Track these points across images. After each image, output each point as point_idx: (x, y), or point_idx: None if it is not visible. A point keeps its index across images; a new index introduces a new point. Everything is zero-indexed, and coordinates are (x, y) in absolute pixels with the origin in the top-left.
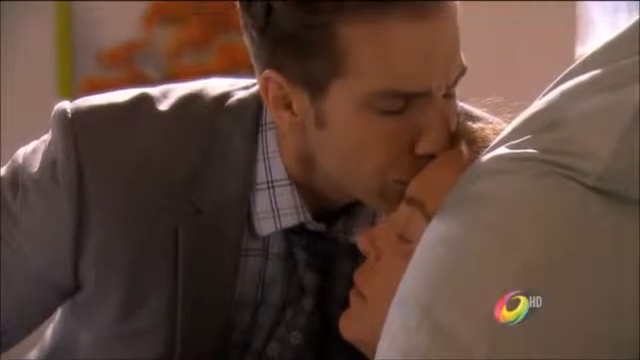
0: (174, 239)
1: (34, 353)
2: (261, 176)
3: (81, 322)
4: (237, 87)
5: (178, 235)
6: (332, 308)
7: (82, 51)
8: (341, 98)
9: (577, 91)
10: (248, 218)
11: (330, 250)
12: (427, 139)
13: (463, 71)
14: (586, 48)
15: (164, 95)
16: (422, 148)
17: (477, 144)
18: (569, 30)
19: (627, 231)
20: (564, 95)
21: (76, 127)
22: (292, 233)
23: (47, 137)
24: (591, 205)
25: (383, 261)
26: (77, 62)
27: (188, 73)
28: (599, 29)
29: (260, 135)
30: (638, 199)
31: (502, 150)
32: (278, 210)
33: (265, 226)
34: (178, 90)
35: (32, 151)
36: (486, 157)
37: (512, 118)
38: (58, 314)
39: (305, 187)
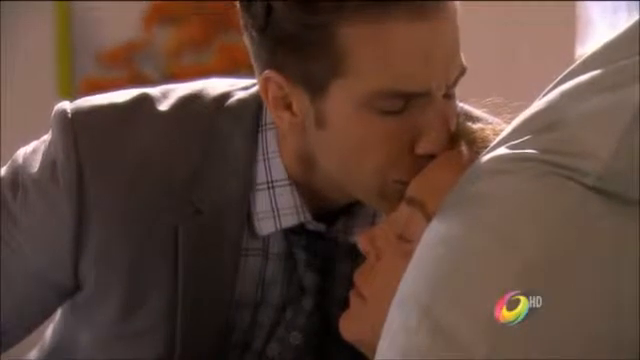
0: (174, 239)
1: (34, 353)
2: (261, 176)
3: (81, 322)
4: (237, 87)
5: (178, 235)
6: (332, 308)
7: (82, 51)
8: (341, 98)
9: (577, 91)
10: (248, 218)
11: (330, 250)
12: (427, 139)
13: (463, 71)
14: (586, 48)
15: (164, 95)
16: (422, 148)
17: (477, 144)
18: (569, 30)
19: (627, 231)
20: (564, 95)
21: (76, 127)
22: (292, 233)
23: (47, 137)
24: (591, 205)
25: (383, 261)
26: (77, 62)
27: (188, 73)
28: (599, 29)
29: (260, 135)
30: (638, 199)
31: (502, 150)
32: (278, 210)
33: (265, 226)
34: (178, 90)
35: (32, 151)
36: (486, 157)
37: (512, 118)
38: (58, 314)
39: (305, 187)
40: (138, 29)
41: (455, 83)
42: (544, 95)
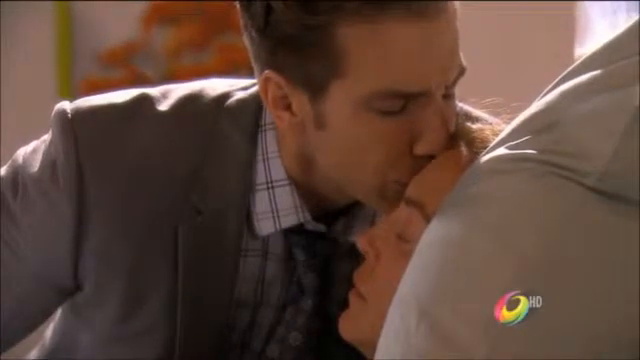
0: (174, 239)
1: (34, 353)
2: (261, 176)
3: (81, 322)
4: (237, 87)
5: (178, 235)
6: (332, 309)
7: (81, 51)
8: (340, 99)
9: (576, 92)
10: (248, 218)
11: (330, 250)
12: (426, 140)
13: (462, 71)
14: (585, 49)
15: (164, 95)
16: (421, 149)
17: (476, 145)
18: (568, 31)
19: (627, 231)
20: (563, 96)
21: (76, 127)
22: (292, 233)
23: (47, 137)
24: (591, 205)
25: (382, 261)
26: (77, 62)
27: (187, 73)
28: (598, 30)
29: (260, 135)
30: (638, 199)
31: (501, 151)
32: (278, 210)
33: (265, 226)
34: (178, 90)
35: (32, 151)
36: (485, 158)
37: (511, 119)
38: (58, 314)
39: (305, 187)
40: (138, 29)
41: (454, 83)
42: (543, 95)
